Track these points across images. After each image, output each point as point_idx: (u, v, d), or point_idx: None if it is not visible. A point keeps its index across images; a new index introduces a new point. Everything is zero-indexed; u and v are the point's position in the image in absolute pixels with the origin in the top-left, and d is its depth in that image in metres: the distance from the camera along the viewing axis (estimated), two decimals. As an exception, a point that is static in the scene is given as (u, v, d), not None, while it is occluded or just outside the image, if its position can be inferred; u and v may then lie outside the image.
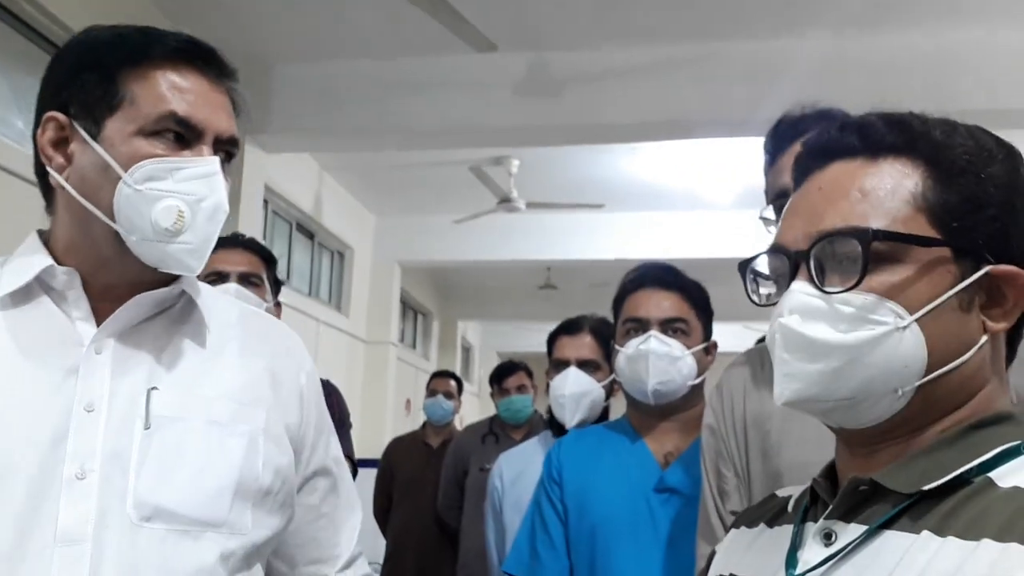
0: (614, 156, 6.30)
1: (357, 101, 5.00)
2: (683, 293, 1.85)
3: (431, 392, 4.78)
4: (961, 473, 0.73)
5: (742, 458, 1.43)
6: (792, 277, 0.79)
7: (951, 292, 0.75)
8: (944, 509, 0.71)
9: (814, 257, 0.77)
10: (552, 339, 2.44)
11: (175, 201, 0.99)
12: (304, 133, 5.23)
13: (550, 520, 1.86)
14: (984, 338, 0.77)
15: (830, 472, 0.84)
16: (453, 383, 4.85)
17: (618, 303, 1.91)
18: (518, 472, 2.53)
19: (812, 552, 0.77)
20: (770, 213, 1.46)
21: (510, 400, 3.89)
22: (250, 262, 2.14)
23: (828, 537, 0.77)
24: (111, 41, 1.04)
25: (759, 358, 1.46)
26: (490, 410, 4.14)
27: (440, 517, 4.14)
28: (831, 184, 0.80)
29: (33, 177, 1.08)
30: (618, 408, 2.19)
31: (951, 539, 0.69)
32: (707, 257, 6.71)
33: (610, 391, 2.36)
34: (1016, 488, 0.70)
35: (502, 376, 4.01)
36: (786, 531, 0.83)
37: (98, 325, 1.02)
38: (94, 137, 1.01)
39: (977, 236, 0.76)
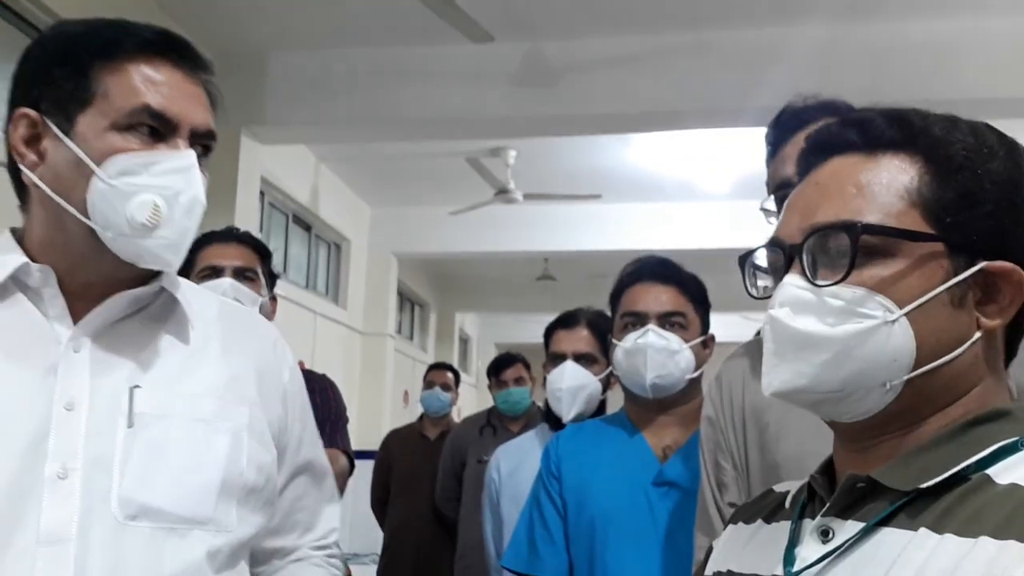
0: (611, 147, 6.30)
1: (353, 92, 4.99)
2: (681, 287, 1.85)
3: (428, 384, 4.77)
4: (959, 470, 0.73)
5: (740, 450, 1.43)
6: (787, 270, 0.79)
7: (942, 287, 0.75)
8: (942, 506, 0.71)
9: (807, 251, 0.78)
10: (549, 333, 2.44)
11: (150, 195, 0.97)
12: (300, 124, 5.21)
13: (549, 515, 1.86)
14: (977, 334, 0.77)
15: (827, 469, 0.84)
16: (450, 375, 4.84)
17: (615, 297, 1.90)
18: (515, 464, 2.53)
19: (809, 549, 0.77)
20: (771, 204, 1.46)
21: (508, 392, 3.89)
22: (245, 256, 2.13)
23: (825, 534, 0.77)
24: (82, 35, 1.02)
25: (758, 350, 1.44)
26: (488, 401, 4.14)
27: (438, 509, 4.14)
28: (828, 179, 0.80)
29: None
30: (615, 402, 2.18)
31: (949, 536, 0.69)
32: (705, 247, 6.74)
33: (607, 385, 2.36)
34: (1014, 485, 0.70)
35: (500, 368, 4.01)
36: (783, 528, 0.83)
37: (76, 324, 1.01)
38: (66, 133, 0.98)
39: (972, 232, 0.76)
